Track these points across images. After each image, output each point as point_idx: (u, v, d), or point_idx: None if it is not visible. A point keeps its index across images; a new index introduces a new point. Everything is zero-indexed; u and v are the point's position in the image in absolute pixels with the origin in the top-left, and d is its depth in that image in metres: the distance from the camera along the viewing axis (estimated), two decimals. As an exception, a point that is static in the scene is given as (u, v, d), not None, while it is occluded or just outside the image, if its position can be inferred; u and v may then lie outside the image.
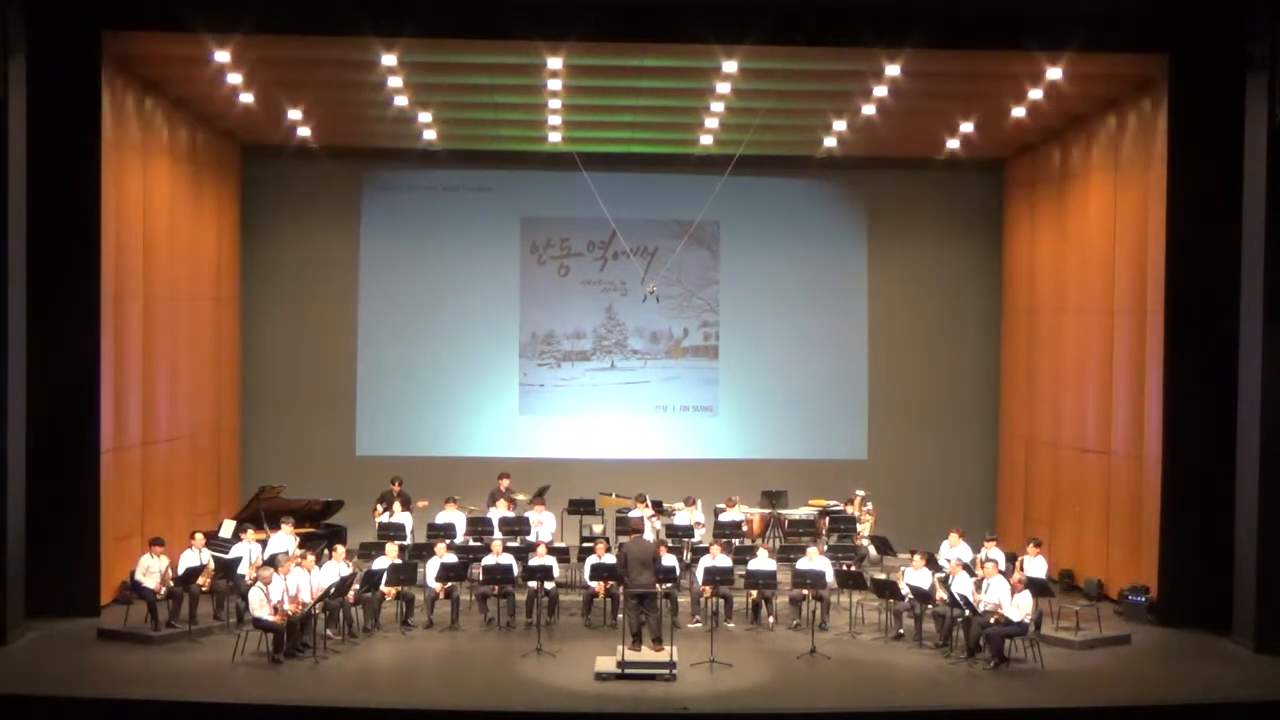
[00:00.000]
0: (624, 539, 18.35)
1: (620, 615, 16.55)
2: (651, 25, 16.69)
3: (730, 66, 17.22)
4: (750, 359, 23.74)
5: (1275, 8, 16.02)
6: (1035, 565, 17.32)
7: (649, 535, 18.52)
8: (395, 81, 18.14)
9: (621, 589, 16.15)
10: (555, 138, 21.32)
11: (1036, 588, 16.19)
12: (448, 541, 18.26)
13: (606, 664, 15.09)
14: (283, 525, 18.16)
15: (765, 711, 14.14)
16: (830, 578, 17.38)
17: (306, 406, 23.18)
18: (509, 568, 17.41)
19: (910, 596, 16.79)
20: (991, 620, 15.69)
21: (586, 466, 22.61)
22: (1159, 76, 17.54)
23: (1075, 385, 20.36)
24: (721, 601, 17.26)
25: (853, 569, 17.83)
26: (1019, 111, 19.30)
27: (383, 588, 17.08)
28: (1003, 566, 16.63)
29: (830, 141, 21.43)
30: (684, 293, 23.61)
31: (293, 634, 15.46)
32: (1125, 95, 18.69)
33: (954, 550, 17.92)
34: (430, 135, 21.44)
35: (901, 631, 16.86)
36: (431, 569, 17.61)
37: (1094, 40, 16.74)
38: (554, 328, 23.65)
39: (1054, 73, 17.37)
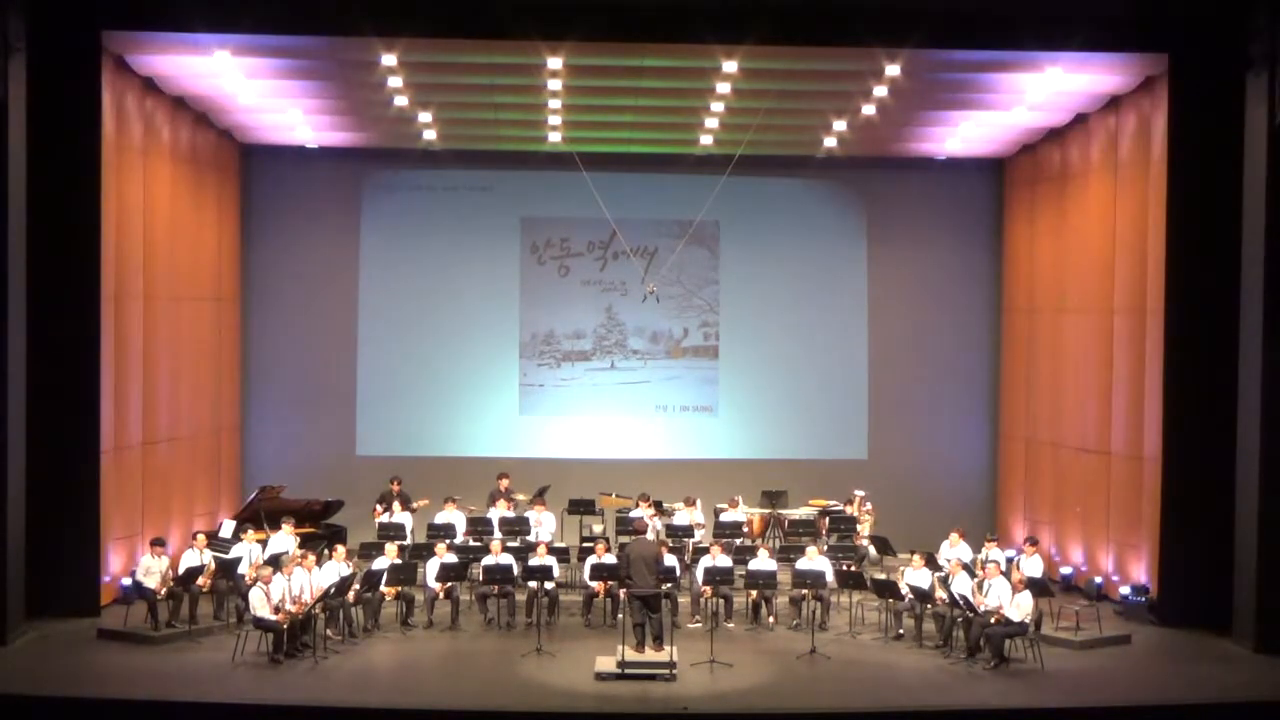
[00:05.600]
0: (624, 539, 18.46)
1: (620, 615, 16.55)
2: (651, 25, 16.69)
3: (730, 66, 17.22)
4: (750, 359, 23.73)
5: (1275, 8, 16.03)
6: (1032, 565, 17.33)
7: (650, 535, 18.52)
8: (395, 81, 18.14)
9: (623, 590, 16.13)
10: (555, 138, 21.32)
11: (1036, 588, 16.19)
12: (448, 541, 18.26)
13: (606, 664, 15.09)
14: (283, 525, 18.17)
15: (765, 711, 14.15)
16: (830, 578, 17.38)
17: (306, 406, 23.17)
18: (509, 568, 17.42)
19: (910, 596, 16.80)
20: (991, 620, 15.70)
21: (586, 466, 22.61)
22: (1159, 76, 17.55)
23: (1075, 385, 20.36)
24: (721, 601, 17.27)
25: (853, 569, 17.83)
26: (1019, 111, 19.30)
27: (383, 588, 17.09)
28: (1003, 567, 16.64)
29: (830, 141, 21.42)
30: (684, 293, 23.61)
31: (293, 634, 15.47)
32: (1125, 95, 18.69)
33: (954, 550, 17.92)
34: (430, 135, 21.44)
35: (901, 631, 16.87)
36: (431, 569, 17.61)
37: (1094, 40, 16.75)
38: (554, 328, 23.64)
39: (1054, 73, 17.37)
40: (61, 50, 16.55)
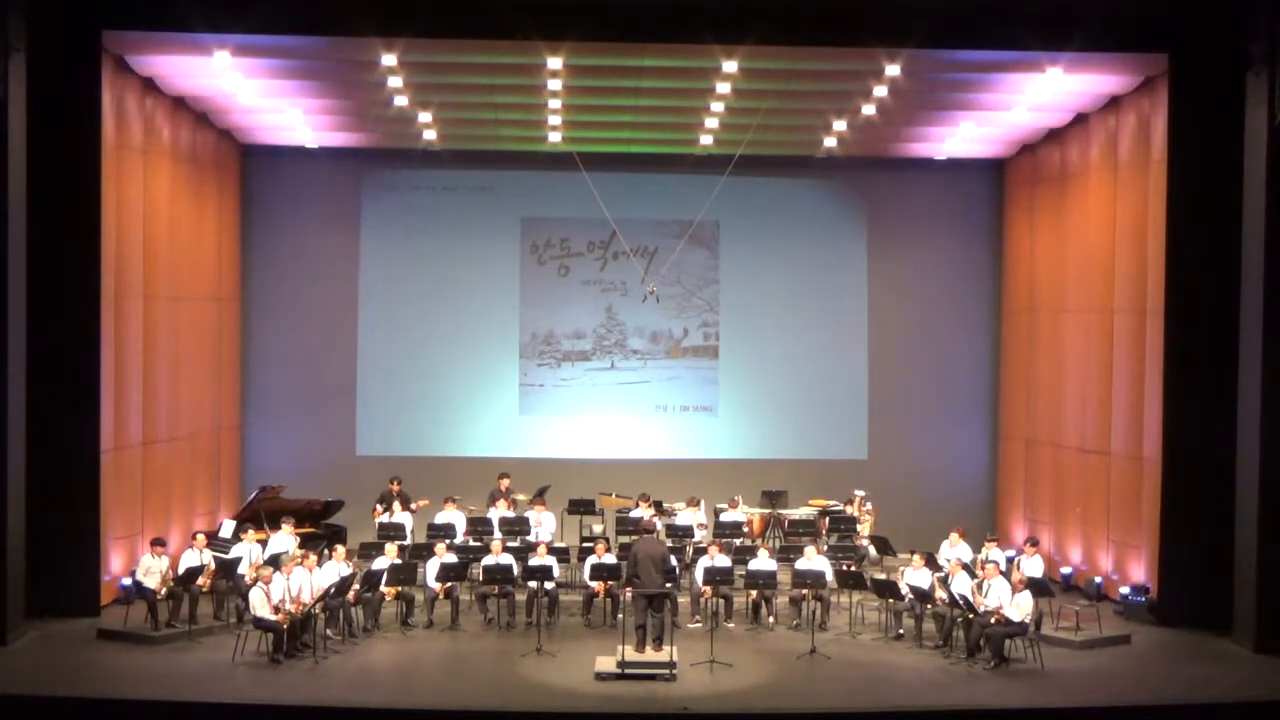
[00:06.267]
0: (624, 539, 18.48)
1: (620, 615, 16.56)
2: (651, 25, 16.70)
3: (730, 66, 17.22)
4: (750, 359, 23.73)
5: (1275, 8, 16.03)
6: (1032, 565, 17.32)
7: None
8: (395, 81, 18.14)
9: (628, 589, 16.13)
10: (555, 138, 21.32)
11: (1036, 588, 16.19)
12: (448, 541, 18.26)
13: (606, 664, 15.09)
14: (283, 525, 18.17)
15: (765, 711, 14.14)
16: (830, 578, 17.38)
17: (306, 406, 23.16)
18: (509, 568, 17.42)
19: (910, 596, 16.80)
20: (992, 620, 15.70)
21: (586, 466, 22.61)
22: (1159, 76, 17.55)
23: (1075, 385, 20.36)
24: (721, 601, 17.26)
25: (853, 569, 17.83)
26: (1019, 111, 19.30)
27: (383, 588, 17.09)
28: (1003, 568, 16.64)
29: (830, 141, 21.42)
30: (684, 293, 23.61)
31: (293, 634, 15.47)
32: (1125, 95, 18.69)
33: (954, 550, 17.92)
34: (430, 135, 21.44)
35: (901, 631, 16.87)
36: (431, 569, 17.61)
37: (1094, 40, 16.75)
38: (554, 328, 23.64)
39: (1054, 73, 17.37)
40: (61, 50, 16.54)
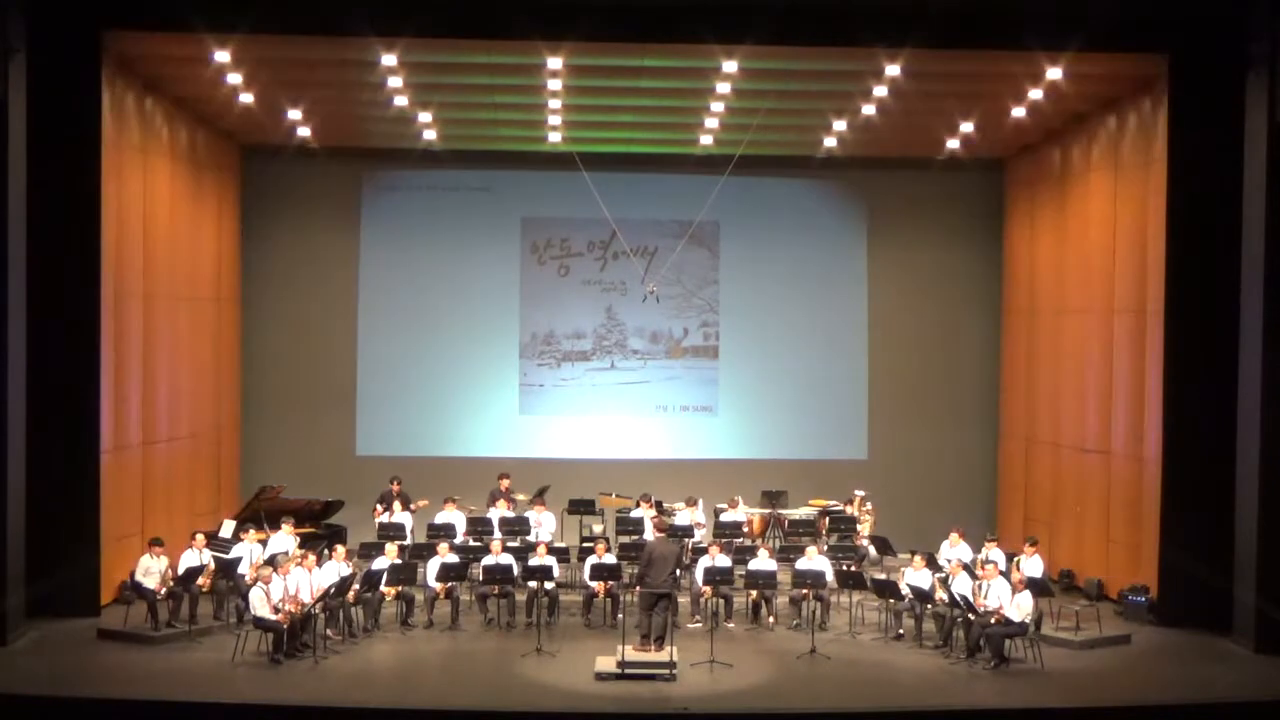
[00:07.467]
0: (624, 539, 18.48)
1: (620, 615, 16.56)
2: (651, 25, 16.69)
3: (730, 66, 17.22)
4: (750, 359, 23.73)
5: (1275, 7, 16.03)
6: (1032, 565, 17.32)
7: (649, 534, 18.54)
8: (395, 81, 18.14)
9: (637, 586, 16.13)
10: (555, 138, 21.32)
11: (1036, 588, 16.19)
12: (448, 541, 18.26)
13: (606, 664, 15.09)
14: (283, 525, 18.16)
15: (765, 711, 14.14)
16: (830, 578, 17.39)
17: (306, 406, 23.17)
18: (509, 568, 17.42)
19: (910, 596, 16.80)
20: (992, 620, 15.70)
21: (586, 466, 22.61)
22: (1159, 76, 17.55)
23: (1075, 385, 20.36)
24: (721, 601, 17.27)
25: (853, 569, 17.83)
26: (1019, 111, 19.31)
27: (383, 588, 17.09)
28: (1003, 568, 16.64)
29: (830, 141, 21.43)
30: (684, 293, 23.61)
31: (293, 634, 15.46)
32: (1125, 95, 18.70)
33: (954, 550, 17.92)
34: (430, 135, 21.44)
35: (901, 631, 16.86)
36: (431, 569, 17.61)
37: (1094, 40, 16.74)
38: (554, 328, 23.65)
39: (1054, 73, 17.38)
40: (61, 50, 16.54)
